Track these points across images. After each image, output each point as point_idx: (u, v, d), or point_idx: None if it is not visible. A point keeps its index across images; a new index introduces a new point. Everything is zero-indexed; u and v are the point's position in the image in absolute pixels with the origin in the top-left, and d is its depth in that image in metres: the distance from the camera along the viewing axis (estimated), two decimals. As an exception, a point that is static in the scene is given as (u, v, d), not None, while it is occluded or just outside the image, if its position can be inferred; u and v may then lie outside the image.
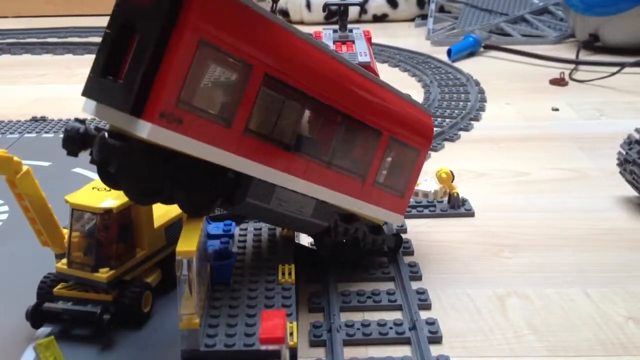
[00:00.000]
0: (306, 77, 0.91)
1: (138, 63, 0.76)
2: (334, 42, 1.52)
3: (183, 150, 0.81)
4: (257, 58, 0.84)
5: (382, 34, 3.12)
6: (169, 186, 0.85)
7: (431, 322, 0.98)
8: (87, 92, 0.85)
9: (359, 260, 1.13)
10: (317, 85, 0.93)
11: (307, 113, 0.95)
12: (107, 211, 0.96)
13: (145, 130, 0.77)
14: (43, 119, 1.98)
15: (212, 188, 0.87)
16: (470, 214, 1.34)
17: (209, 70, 0.81)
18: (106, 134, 0.82)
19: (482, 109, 2.06)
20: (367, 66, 1.35)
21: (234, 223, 1.20)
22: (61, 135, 1.89)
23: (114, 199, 0.97)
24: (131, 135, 0.80)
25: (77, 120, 0.87)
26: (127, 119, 0.78)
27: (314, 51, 0.93)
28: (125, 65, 0.78)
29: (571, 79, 2.39)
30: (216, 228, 1.17)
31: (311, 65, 0.92)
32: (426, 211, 1.35)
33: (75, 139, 0.85)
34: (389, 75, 2.45)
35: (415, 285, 1.09)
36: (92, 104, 0.84)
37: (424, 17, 3.50)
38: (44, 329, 0.98)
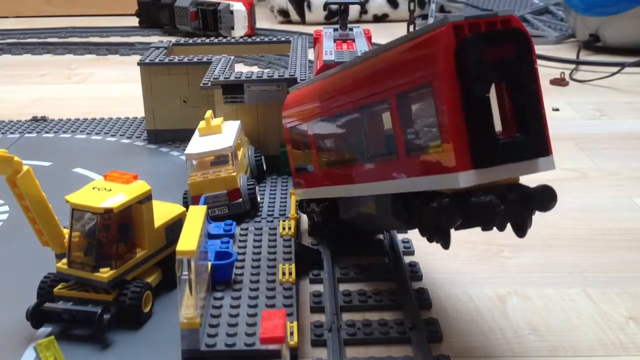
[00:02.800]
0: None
1: (535, 111, 0.79)
2: (335, 40, 1.53)
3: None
4: None
5: (383, 34, 3.11)
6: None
7: (432, 322, 0.98)
8: (494, 159, 0.78)
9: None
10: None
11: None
12: (108, 211, 0.96)
13: (553, 163, 0.82)
14: (43, 119, 1.98)
15: None
16: (470, 214, 1.34)
17: None
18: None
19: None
20: None
21: (234, 223, 1.20)
22: (61, 135, 1.90)
23: (114, 199, 0.97)
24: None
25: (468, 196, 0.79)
26: (531, 164, 0.81)
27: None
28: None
29: (571, 79, 2.39)
30: (217, 228, 1.18)
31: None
32: (426, 211, 1.35)
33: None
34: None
35: (415, 285, 1.09)
36: (471, 173, 0.77)
37: (424, 17, 3.50)
38: (44, 329, 0.98)
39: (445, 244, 0.86)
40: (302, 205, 1.26)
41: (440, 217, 0.80)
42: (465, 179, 0.77)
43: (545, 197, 0.83)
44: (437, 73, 0.76)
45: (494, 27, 0.77)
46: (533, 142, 0.79)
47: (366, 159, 0.96)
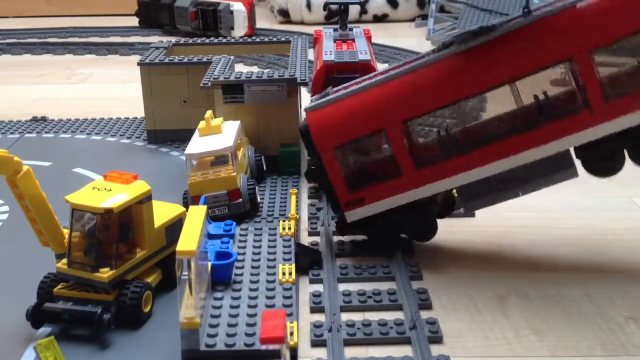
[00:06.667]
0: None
1: None
2: (335, 40, 1.52)
3: None
4: None
5: (383, 34, 3.11)
6: None
7: (432, 322, 0.98)
8: None
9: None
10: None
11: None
12: (108, 211, 0.96)
13: None
14: (43, 119, 1.98)
15: None
16: (470, 214, 1.34)
17: None
18: None
19: (483, 109, 2.06)
20: (367, 64, 1.35)
21: (234, 223, 1.20)
22: (61, 135, 1.90)
23: (114, 199, 0.97)
24: None
25: None
26: None
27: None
28: None
29: (571, 79, 2.38)
30: (217, 228, 1.18)
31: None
32: (426, 211, 1.35)
33: None
34: (389, 75, 2.45)
35: (415, 285, 1.09)
36: None
37: (424, 17, 3.50)
38: (44, 329, 0.98)
39: None
40: (344, 227, 1.20)
41: None
42: None
43: None
44: None
45: None
46: None
47: (529, 125, 1.06)
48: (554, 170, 1.09)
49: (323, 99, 1.14)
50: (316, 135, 1.13)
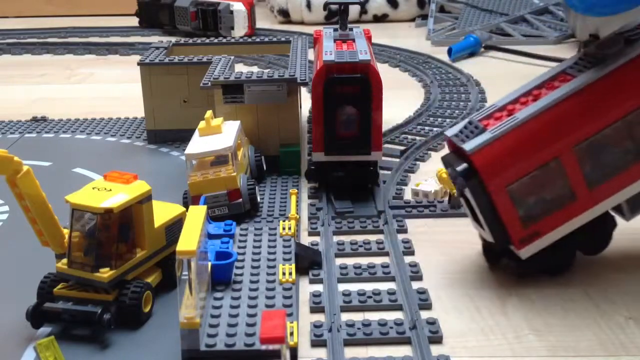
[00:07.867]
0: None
1: None
2: (335, 40, 1.52)
3: None
4: None
5: (383, 34, 3.11)
6: None
7: (432, 322, 0.98)
8: None
9: None
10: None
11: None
12: (108, 211, 0.96)
13: None
14: (43, 119, 1.98)
15: None
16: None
17: None
18: None
19: (483, 109, 2.06)
20: (367, 64, 1.35)
21: (234, 223, 1.20)
22: (61, 135, 1.90)
23: (114, 199, 0.97)
24: None
25: None
26: None
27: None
28: None
29: (571, 79, 2.38)
30: (217, 228, 1.18)
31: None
32: (426, 211, 1.35)
33: None
34: (390, 75, 2.45)
35: (415, 285, 1.09)
36: None
37: (424, 17, 3.50)
38: (44, 329, 0.98)
39: None
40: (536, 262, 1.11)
41: None
42: None
43: None
44: None
45: None
46: None
47: None
48: None
49: (483, 138, 1.06)
50: (487, 177, 1.05)
